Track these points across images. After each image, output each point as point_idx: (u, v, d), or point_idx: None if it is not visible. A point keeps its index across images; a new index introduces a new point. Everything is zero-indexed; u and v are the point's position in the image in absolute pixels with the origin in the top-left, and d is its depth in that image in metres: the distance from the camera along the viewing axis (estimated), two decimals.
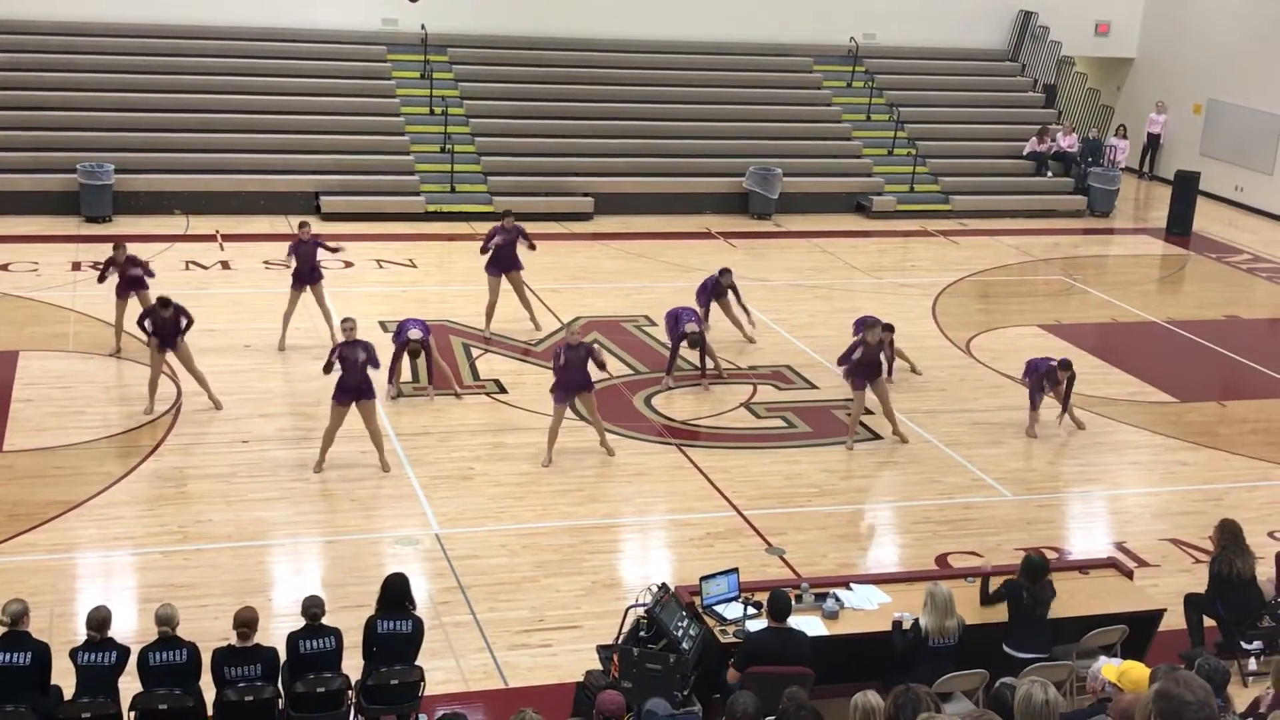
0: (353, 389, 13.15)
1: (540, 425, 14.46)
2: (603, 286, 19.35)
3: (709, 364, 16.00)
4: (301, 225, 16.73)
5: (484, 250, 16.95)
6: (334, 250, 16.97)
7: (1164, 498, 13.96)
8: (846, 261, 21.75)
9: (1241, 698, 9.31)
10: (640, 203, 23.93)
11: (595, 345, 14.43)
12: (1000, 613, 9.65)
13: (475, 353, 16.58)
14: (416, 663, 9.05)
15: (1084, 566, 10.87)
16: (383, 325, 16.91)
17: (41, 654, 8.49)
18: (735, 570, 9.85)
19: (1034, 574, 9.58)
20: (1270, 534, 12.75)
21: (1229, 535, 10.59)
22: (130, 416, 14.14)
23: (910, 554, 12.38)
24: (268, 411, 14.55)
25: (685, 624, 9.17)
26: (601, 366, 13.89)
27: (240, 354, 16.05)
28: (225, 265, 19.46)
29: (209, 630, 9.24)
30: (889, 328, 15.34)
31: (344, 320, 13.48)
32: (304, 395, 15.02)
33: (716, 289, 16.86)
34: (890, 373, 15.62)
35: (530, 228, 17.70)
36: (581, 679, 9.17)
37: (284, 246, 20.24)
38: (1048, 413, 15.16)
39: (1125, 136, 28.14)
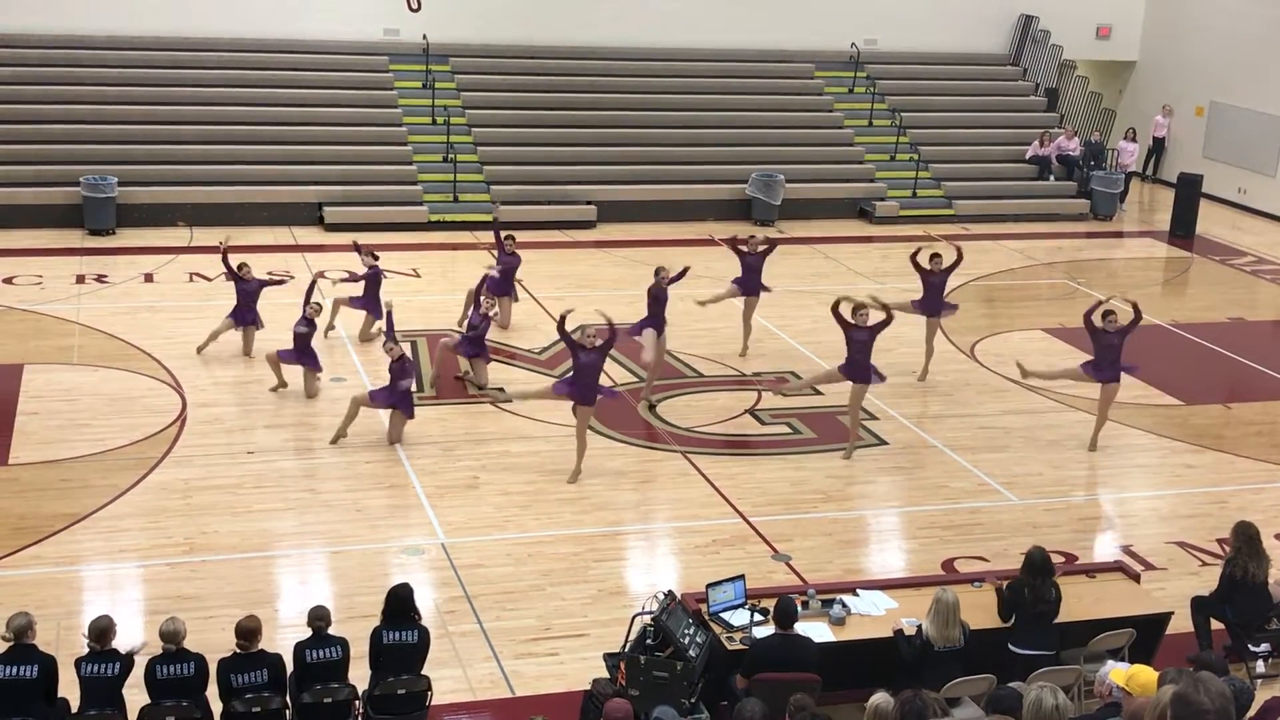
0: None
1: (543, 434, 14.45)
2: (606, 294, 19.34)
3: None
4: (370, 252, 17.13)
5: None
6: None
7: (1170, 501, 13.94)
8: (849, 267, 21.75)
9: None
10: (643, 210, 23.95)
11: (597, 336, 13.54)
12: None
13: None
14: (423, 672, 9.05)
15: (1091, 570, 10.85)
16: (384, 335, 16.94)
17: (48, 667, 8.49)
18: (741, 577, 9.85)
19: (1035, 570, 9.54)
20: (1277, 536, 12.72)
21: (1245, 538, 10.46)
22: (135, 429, 14.14)
23: (917, 559, 12.37)
24: (273, 423, 14.56)
25: (692, 631, 9.17)
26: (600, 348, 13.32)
27: (246, 365, 16.06)
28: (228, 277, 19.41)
29: (216, 642, 9.22)
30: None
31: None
32: (309, 406, 15.03)
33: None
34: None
35: (533, 236, 17.75)
36: (588, 687, 9.16)
37: (285, 257, 20.37)
38: (1055, 415, 15.10)
39: (1135, 140, 28.04)
